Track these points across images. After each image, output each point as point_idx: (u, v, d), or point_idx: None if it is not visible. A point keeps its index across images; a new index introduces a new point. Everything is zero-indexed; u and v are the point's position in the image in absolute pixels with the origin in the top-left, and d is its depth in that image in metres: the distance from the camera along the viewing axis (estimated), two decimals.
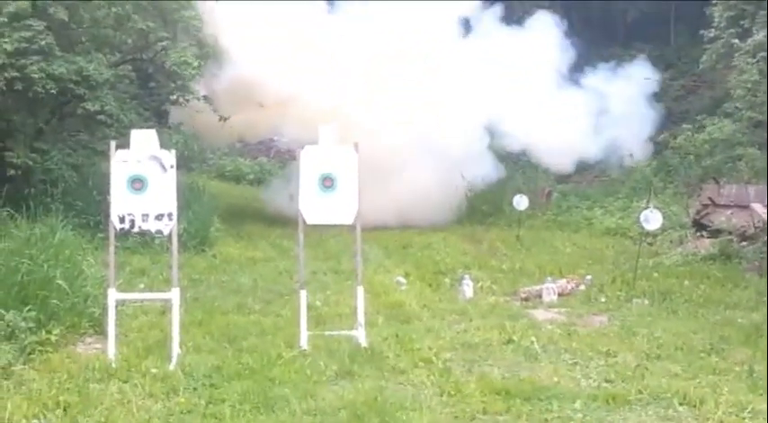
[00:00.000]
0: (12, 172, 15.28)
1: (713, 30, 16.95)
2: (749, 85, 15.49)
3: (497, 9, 24.49)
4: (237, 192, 26.14)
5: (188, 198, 16.55)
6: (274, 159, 29.42)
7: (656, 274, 14.82)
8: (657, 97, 26.80)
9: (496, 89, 22.59)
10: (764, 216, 15.98)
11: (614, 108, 24.98)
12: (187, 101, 18.37)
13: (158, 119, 19.22)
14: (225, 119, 19.44)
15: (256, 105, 20.70)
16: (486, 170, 23.76)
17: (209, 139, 24.37)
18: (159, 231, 9.87)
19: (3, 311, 9.21)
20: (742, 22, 16.22)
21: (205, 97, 18.81)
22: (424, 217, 21.70)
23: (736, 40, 16.09)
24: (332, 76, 20.71)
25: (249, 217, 21.17)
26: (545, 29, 24.54)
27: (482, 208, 23.29)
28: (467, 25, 23.66)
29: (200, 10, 18.07)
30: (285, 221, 18.53)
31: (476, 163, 23.30)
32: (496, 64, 22.79)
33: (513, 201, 20.07)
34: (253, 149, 30.16)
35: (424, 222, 21.48)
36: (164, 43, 17.88)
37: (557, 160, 24.98)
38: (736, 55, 16.15)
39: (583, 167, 26.66)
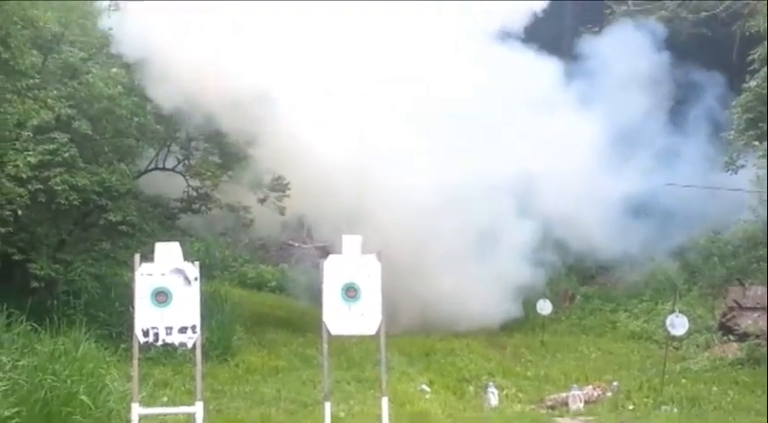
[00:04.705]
0: (35, 284, 15.32)
1: (732, 132, 16.99)
2: None
3: None
4: (259, 299, 26.05)
5: (210, 307, 16.50)
6: (296, 266, 29.36)
7: (683, 380, 14.64)
8: None
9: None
10: None
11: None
12: (209, 209, 18.43)
13: (181, 228, 19.20)
14: (248, 225, 19.36)
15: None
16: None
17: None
18: (183, 344, 9.81)
19: None
20: (761, 125, 16.27)
21: (228, 206, 18.70)
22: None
23: (756, 143, 16.14)
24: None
25: (271, 324, 21.07)
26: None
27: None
28: None
29: None
30: (307, 329, 18.49)
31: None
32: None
33: (537, 305, 19.98)
34: (274, 256, 30.15)
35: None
36: (185, 151, 18.10)
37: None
38: (756, 156, 16.20)
39: (605, 269, 26.40)
